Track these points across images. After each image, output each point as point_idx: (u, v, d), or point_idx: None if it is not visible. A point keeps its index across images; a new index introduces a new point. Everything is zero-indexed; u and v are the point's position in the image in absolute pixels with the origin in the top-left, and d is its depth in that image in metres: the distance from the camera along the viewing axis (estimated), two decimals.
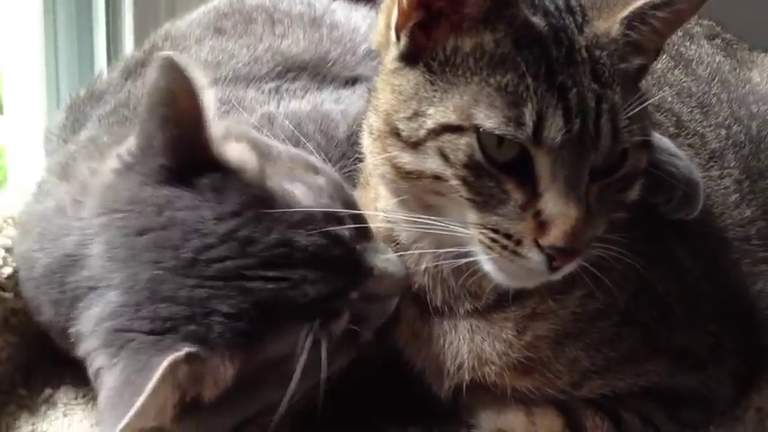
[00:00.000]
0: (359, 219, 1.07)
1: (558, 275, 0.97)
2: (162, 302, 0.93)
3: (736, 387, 1.21)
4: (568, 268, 0.96)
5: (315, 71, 1.45)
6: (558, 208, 0.91)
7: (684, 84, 1.40)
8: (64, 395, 1.20)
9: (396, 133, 0.98)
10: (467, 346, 1.09)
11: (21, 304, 1.18)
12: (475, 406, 1.16)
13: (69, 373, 1.22)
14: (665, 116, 1.32)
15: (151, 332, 0.92)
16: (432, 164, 0.95)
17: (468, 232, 0.96)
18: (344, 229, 1.02)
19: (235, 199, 0.97)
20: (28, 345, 1.22)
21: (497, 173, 0.92)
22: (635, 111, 0.94)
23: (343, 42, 1.50)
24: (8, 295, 1.18)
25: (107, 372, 0.92)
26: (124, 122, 1.26)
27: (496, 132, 0.90)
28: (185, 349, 0.90)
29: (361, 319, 1.04)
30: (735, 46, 1.60)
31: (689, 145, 1.30)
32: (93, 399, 1.18)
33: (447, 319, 1.11)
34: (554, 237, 0.90)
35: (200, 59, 1.39)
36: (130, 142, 1.02)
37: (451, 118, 0.93)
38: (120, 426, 0.85)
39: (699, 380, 1.17)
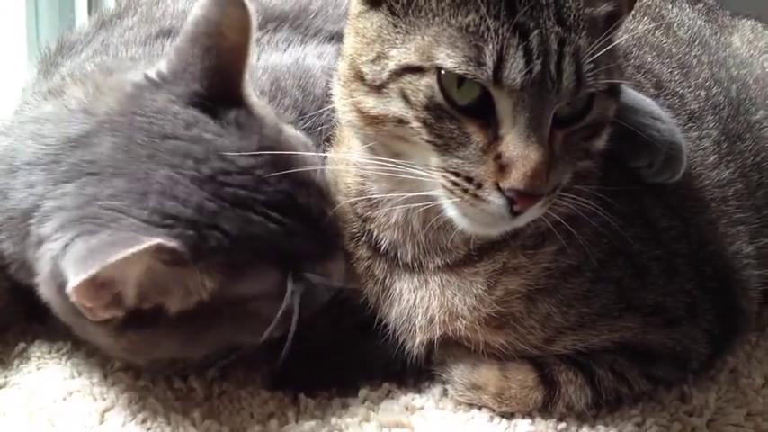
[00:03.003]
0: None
1: (520, 222, 0.97)
2: (170, 200, 0.96)
3: (710, 346, 1.21)
4: (531, 214, 0.96)
5: (296, 22, 1.44)
6: (518, 150, 0.90)
7: (665, 45, 1.40)
8: (38, 349, 1.21)
9: (360, 77, 0.98)
10: (437, 300, 1.10)
11: None
12: (448, 362, 1.16)
13: (43, 328, 1.23)
14: (645, 76, 1.31)
15: (148, 221, 0.95)
16: (394, 107, 0.95)
17: (432, 176, 0.96)
18: (330, 208, 1.09)
19: (255, 141, 1.03)
20: (1, 300, 1.21)
21: (458, 115, 0.92)
22: (601, 56, 0.93)
23: None
24: None
25: (87, 236, 0.93)
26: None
27: (457, 72, 0.90)
28: (175, 244, 0.93)
29: (311, 295, 1.06)
30: (716, 11, 1.60)
31: (668, 106, 1.29)
32: (67, 353, 1.19)
33: (417, 275, 1.11)
34: (514, 179, 0.90)
35: (179, 10, 1.39)
36: (160, 65, 1.07)
37: (412, 59, 0.93)
38: (89, 272, 0.87)
39: (673, 338, 1.17)
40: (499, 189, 0.91)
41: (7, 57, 1.77)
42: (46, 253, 0.96)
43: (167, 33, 1.35)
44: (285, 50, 1.40)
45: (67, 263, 0.91)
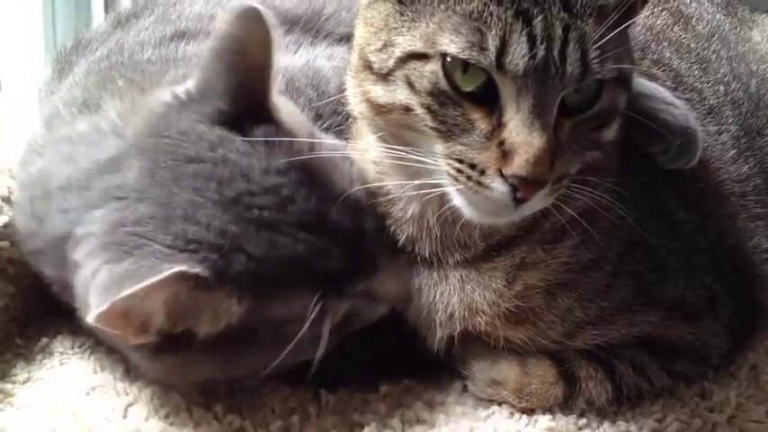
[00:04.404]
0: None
1: (525, 211, 0.97)
2: (193, 225, 0.95)
3: (730, 340, 1.21)
4: (536, 203, 0.95)
5: (308, 25, 1.45)
6: (521, 136, 0.90)
7: (684, 40, 1.40)
8: (60, 344, 1.22)
9: (369, 66, 0.99)
10: (457, 296, 1.10)
11: (17, 254, 1.19)
12: (468, 357, 1.16)
13: (66, 323, 1.24)
14: (664, 71, 1.32)
15: (171, 246, 0.94)
16: (400, 94, 0.96)
17: (437, 163, 0.96)
18: (370, 222, 1.07)
19: (283, 158, 1.01)
20: (24, 295, 1.23)
21: (462, 101, 0.93)
22: (609, 43, 0.92)
23: None
24: (4, 244, 1.20)
25: (112, 264, 0.92)
26: (117, 68, 1.25)
27: (460, 57, 0.91)
28: (198, 269, 0.92)
29: (354, 313, 1.06)
30: (736, 6, 1.59)
31: (687, 100, 1.28)
32: (90, 348, 1.21)
33: (437, 270, 1.11)
34: (516, 165, 0.90)
35: (194, 13, 1.40)
36: (188, 83, 1.05)
37: (417, 45, 0.94)
38: (107, 303, 0.87)
39: (693, 332, 1.17)
40: (502, 176, 0.91)
41: (25, 55, 1.78)
42: (79, 279, 0.96)
43: (182, 35, 1.35)
44: (295, 52, 1.40)
45: (91, 292, 0.91)
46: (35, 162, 1.13)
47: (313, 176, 1.02)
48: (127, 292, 0.86)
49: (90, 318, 0.88)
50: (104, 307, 0.86)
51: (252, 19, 1.00)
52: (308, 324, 0.97)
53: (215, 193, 0.97)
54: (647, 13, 1.38)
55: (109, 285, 0.89)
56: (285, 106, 1.09)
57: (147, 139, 1.02)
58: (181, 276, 0.90)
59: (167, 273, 0.88)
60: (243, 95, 1.02)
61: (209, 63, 1.03)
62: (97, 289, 0.90)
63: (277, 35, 1.01)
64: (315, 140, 1.06)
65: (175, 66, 1.25)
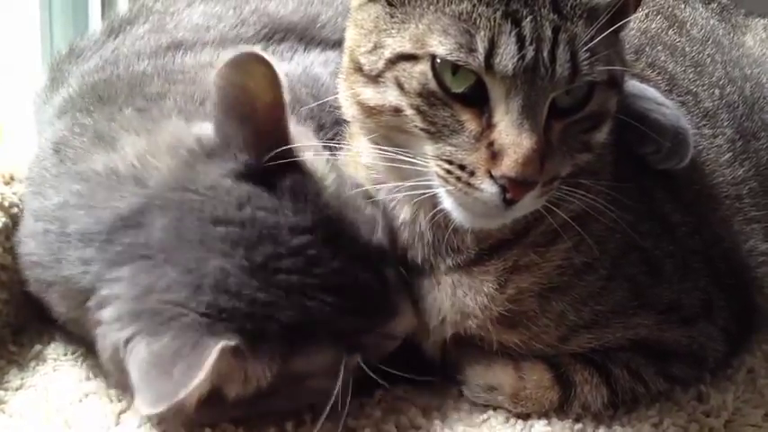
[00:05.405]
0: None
1: (515, 212, 0.96)
2: (224, 294, 0.94)
3: (726, 344, 1.21)
4: (526, 205, 0.95)
5: (303, 33, 1.43)
6: (510, 138, 0.90)
7: (678, 44, 1.40)
8: (53, 351, 1.21)
9: (359, 68, 0.99)
10: (449, 300, 1.09)
11: (10, 260, 1.19)
12: (463, 362, 1.16)
13: (59, 330, 1.23)
14: (659, 74, 1.32)
15: (206, 315, 0.93)
16: (390, 96, 0.96)
17: (428, 165, 0.96)
18: (392, 273, 1.07)
19: (311, 214, 1.00)
20: (17, 302, 1.22)
21: (452, 102, 0.93)
22: (599, 45, 0.92)
23: (335, 5, 1.49)
24: None
25: (150, 338, 0.92)
26: (114, 81, 1.24)
27: (448, 58, 0.91)
28: (236, 341, 0.92)
29: (370, 353, 1.05)
30: (730, 10, 1.60)
31: (681, 103, 1.29)
32: (83, 355, 1.20)
33: (429, 276, 1.10)
34: (505, 166, 0.90)
35: (192, 23, 1.38)
36: (208, 128, 1.03)
37: (407, 46, 0.94)
38: (164, 406, 0.87)
39: (689, 335, 1.17)
40: (492, 177, 0.91)
41: (21, 61, 1.78)
42: (106, 336, 0.96)
43: (178, 46, 1.33)
44: (291, 59, 1.39)
45: (135, 375, 0.90)
46: (50, 196, 1.10)
47: (339, 229, 1.02)
48: (185, 393, 0.87)
49: (139, 410, 0.89)
50: (162, 409, 0.87)
51: (253, 63, 0.97)
52: (339, 384, 0.98)
53: (243, 259, 0.96)
54: (642, 17, 1.39)
55: (158, 374, 0.89)
56: (306, 138, 1.08)
57: (172, 193, 0.99)
58: (225, 350, 0.90)
59: (215, 356, 0.88)
60: (263, 143, 0.99)
61: (222, 118, 1.00)
62: (142, 372, 0.90)
63: (281, 72, 0.98)
64: (340, 183, 1.05)
65: (174, 81, 1.23)
